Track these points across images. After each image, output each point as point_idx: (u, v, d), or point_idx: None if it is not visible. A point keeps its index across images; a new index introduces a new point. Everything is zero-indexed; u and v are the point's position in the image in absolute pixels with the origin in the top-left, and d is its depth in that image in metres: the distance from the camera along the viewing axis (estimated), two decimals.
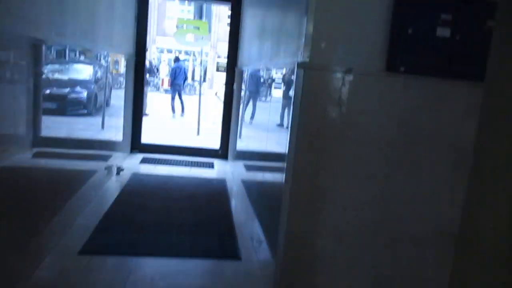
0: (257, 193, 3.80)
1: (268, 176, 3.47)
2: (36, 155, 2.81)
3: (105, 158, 4.70)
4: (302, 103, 2.15)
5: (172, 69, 12.08)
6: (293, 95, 2.19)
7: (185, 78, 12.14)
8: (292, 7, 2.67)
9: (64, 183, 3.38)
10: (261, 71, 4.27)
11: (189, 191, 4.59)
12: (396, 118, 2.25)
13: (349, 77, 2.17)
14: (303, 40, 2.18)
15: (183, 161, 5.89)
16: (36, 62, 2.77)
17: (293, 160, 2.23)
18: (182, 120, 11.49)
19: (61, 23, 3.00)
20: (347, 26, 2.17)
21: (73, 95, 3.76)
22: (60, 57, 3.46)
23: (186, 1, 21.01)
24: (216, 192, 4.66)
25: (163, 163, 5.67)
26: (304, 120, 2.18)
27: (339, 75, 2.17)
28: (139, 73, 5.90)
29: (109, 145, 4.95)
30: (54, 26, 2.88)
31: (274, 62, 3.05)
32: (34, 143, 2.78)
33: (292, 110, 2.20)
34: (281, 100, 3.35)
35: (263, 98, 4.38)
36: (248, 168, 4.66)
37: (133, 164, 5.44)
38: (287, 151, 2.35)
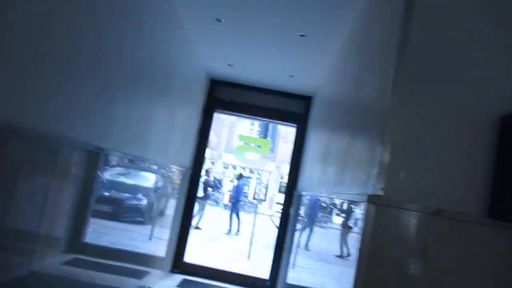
0: None
1: None
2: (71, 262, 2.60)
3: (141, 275, 4.24)
4: (372, 250, 1.60)
5: (235, 186, 11.97)
6: (360, 238, 1.66)
7: (245, 196, 11.93)
8: (362, 129, 2.28)
9: None
10: (321, 197, 3.80)
11: None
12: (506, 281, 1.61)
13: (438, 221, 1.62)
14: (376, 168, 1.71)
15: None
16: (92, 167, 2.72)
17: None
18: (235, 239, 10.94)
19: (118, 133, 2.90)
20: (434, 153, 1.69)
21: (133, 202, 3.69)
22: (126, 163, 3.46)
23: (255, 122, 21.92)
24: None
25: None
26: (374, 274, 1.60)
27: (423, 216, 1.63)
28: (193, 186, 5.65)
29: (149, 261, 4.52)
30: (111, 135, 2.82)
31: (337, 190, 2.58)
32: (73, 248, 2.62)
33: (358, 259, 1.64)
34: (340, 228, 2.86)
35: (322, 225, 3.83)
36: None
37: (169, 287, 4.88)
38: None
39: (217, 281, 5.44)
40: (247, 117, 6.26)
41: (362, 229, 1.64)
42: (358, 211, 2.08)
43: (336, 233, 3.05)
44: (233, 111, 5.92)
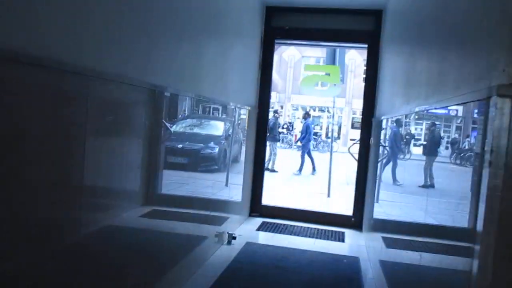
0: (406, 284, 2.68)
1: (428, 259, 2.34)
2: (149, 214, 2.58)
3: (219, 221, 4.12)
4: (508, 164, 1.13)
5: (304, 126, 11.57)
6: (487, 148, 1.18)
7: (316, 135, 11.48)
8: (464, 26, 1.73)
9: (167, 251, 2.93)
10: (408, 117, 3.27)
11: (310, 274, 3.63)
12: None
13: None
14: (504, 51, 1.19)
15: (308, 229, 4.96)
16: (157, 113, 2.61)
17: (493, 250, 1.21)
18: (312, 178, 10.67)
19: (168, 70, 2.65)
20: None
21: (206, 151, 3.74)
22: (193, 111, 3.46)
23: (321, 59, 20.87)
24: (345, 278, 3.62)
25: (284, 231, 4.82)
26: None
27: None
28: (261, 127, 5.32)
29: (227, 206, 4.39)
30: (171, 74, 2.67)
31: (434, 99, 2.05)
32: (150, 201, 2.60)
33: (489, 174, 1.17)
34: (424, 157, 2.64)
35: (402, 156, 3.38)
36: (390, 243, 3.53)
37: (249, 231, 4.71)
38: (480, 231, 1.32)
39: (298, 221, 5.19)
40: (311, 44, 5.68)
41: (491, 139, 1.16)
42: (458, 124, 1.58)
43: (417, 164, 2.77)
44: (295, 38, 5.35)
